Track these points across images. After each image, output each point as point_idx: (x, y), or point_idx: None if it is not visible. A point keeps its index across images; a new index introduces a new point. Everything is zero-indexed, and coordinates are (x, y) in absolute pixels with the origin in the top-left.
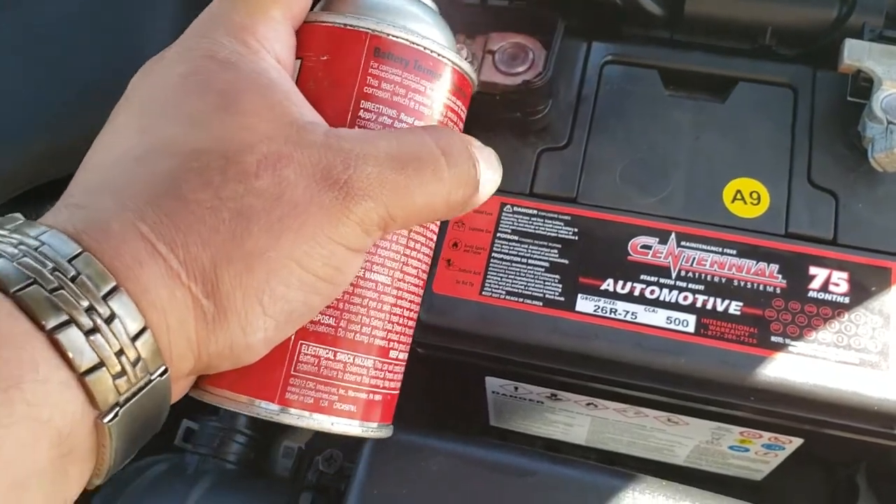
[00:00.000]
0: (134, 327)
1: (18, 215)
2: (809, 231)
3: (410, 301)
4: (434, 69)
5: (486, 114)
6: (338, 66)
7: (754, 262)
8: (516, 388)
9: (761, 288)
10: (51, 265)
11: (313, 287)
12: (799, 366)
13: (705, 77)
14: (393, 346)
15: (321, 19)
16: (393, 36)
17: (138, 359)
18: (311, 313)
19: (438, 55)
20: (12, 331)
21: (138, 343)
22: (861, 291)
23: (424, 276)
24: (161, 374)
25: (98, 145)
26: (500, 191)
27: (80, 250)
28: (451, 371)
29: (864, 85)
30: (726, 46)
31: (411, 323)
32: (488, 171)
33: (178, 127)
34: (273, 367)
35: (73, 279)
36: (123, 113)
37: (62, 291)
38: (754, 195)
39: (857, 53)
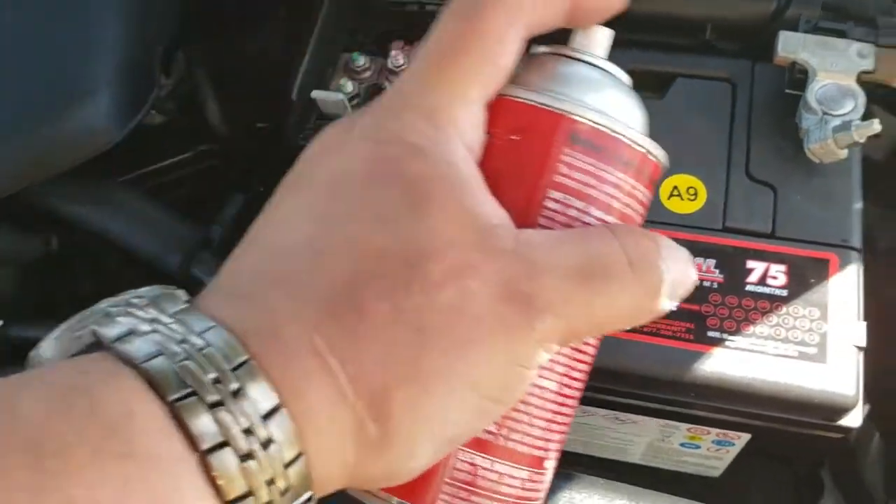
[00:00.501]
0: (290, 454)
1: (181, 294)
2: (747, 225)
3: (571, 408)
4: (631, 159)
5: None
6: (528, 149)
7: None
8: None
9: (698, 283)
10: (213, 375)
11: (483, 410)
12: (737, 360)
13: (643, 73)
14: (548, 456)
15: (515, 94)
16: (593, 122)
17: (288, 488)
18: (473, 435)
19: (637, 145)
20: (162, 450)
21: (291, 470)
22: (799, 284)
23: (586, 379)
24: (306, 502)
25: (268, 225)
26: None
27: (246, 358)
28: None
29: (799, 77)
30: (667, 43)
31: (566, 430)
32: (678, 274)
33: (361, 224)
34: (426, 470)
35: (234, 393)
36: (300, 192)
37: (222, 410)
38: (691, 191)
39: (791, 45)
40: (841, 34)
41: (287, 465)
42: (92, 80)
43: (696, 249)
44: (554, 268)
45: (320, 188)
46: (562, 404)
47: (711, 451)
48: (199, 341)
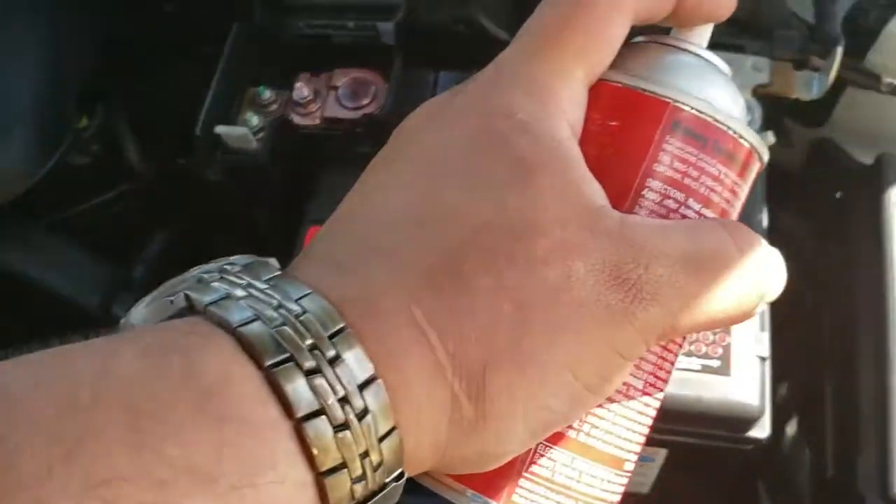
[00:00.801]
0: (385, 427)
1: (273, 262)
2: None
3: (655, 409)
4: (733, 151)
5: (337, 149)
6: (628, 136)
7: None
8: None
9: None
10: (310, 341)
11: (579, 397)
12: None
13: None
14: (628, 458)
15: (617, 79)
16: (697, 111)
17: (381, 463)
18: (565, 424)
19: (740, 137)
20: (258, 415)
21: (384, 444)
22: None
23: (667, 382)
24: (397, 479)
25: (363, 196)
26: None
27: (343, 325)
28: None
29: None
30: None
31: (647, 433)
32: (778, 276)
33: (466, 193)
34: (504, 464)
35: (331, 361)
36: (396, 164)
37: (318, 377)
38: None
39: None
40: (739, 49)
41: (381, 439)
42: (3, 122)
43: None
44: (664, 255)
45: (420, 159)
46: (646, 404)
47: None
48: (295, 307)
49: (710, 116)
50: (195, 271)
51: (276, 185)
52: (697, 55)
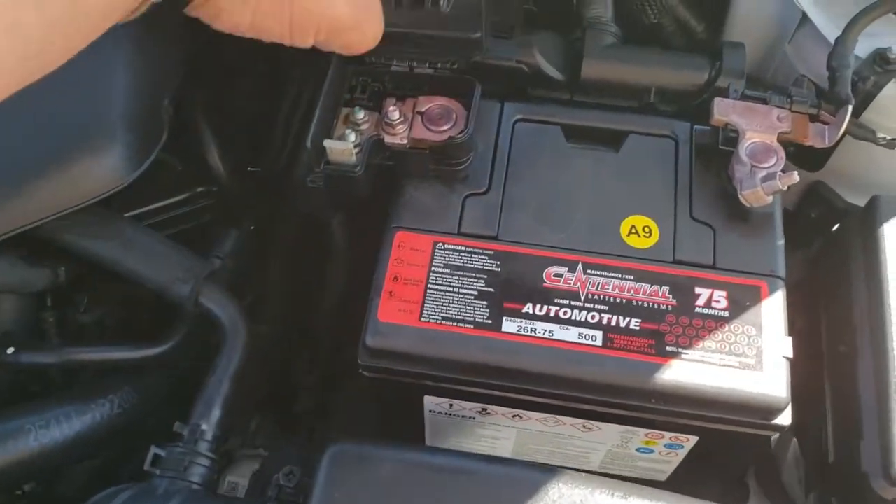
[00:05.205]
0: None
1: None
2: (693, 258)
3: None
4: None
5: (417, 166)
6: None
7: (649, 285)
8: (451, 406)
9: (656, 306)
10: None
11: None
12: (690, 370)
13: (600, 131)
14: None
15: None
16: None
17: None
18: None
19: None
20: None
21: None
22: (738, 306)
23: None
24: None
25: None
26: (433, 231)
27: None
28: (394, 393)
29: (731, 135)
30: (617, 105)
31: None
32: None
33: None
34: None
35: None
36: None
37: None
38: (646, 229)
39: (724, 110)
40: (763, 101)
41: None
42: (108, 128)
43: (653, 278)
44: None
45: None
46: None
47: (662, 454)
48: None
49: None
50: None
51: (365, 193)
52: None
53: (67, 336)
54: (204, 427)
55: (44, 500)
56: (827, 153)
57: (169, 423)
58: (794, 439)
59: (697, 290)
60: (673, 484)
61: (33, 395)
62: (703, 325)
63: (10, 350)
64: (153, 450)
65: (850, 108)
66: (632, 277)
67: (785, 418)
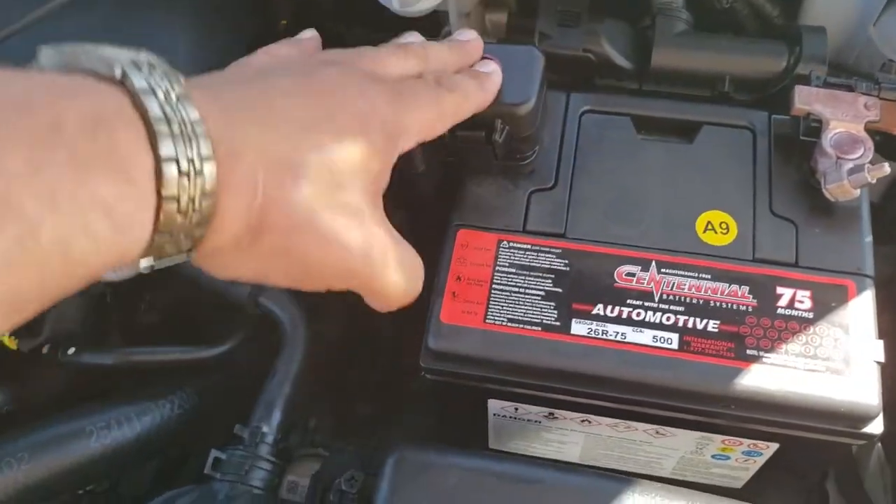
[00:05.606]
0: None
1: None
2: (774, 255)
3: None
4: None
5: (482, 160)
6: None
7: (727, 284)
8: (516, 409)
9: (735, 307)
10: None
11: None
12: (772, 375)
13: (672, 122)
14: None
15: None
16: None
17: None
18: None
19: None
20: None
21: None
22: (823, 307)
23: None
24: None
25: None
26: (497, 229)
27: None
28: (456, 396)
29: (814, 125)
30: (689, 94)
31: None
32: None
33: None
34: None
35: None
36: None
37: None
38: (723, 225)
39: (806, 98)
40: (849, 88)
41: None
42: None
43: (731, 277)
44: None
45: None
46: None
47: (739, 461)
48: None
49: None
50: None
51: (428, 192)
52: None
53: (129, 337)
54: (265, 430)
55: (105, 500)
56: None
57: (229, 425)
58: (879, 444)
59: (779, 289)
60: (748, 491)
61: (95, 396)
62: (786, 327)
63: (72, 350)
64: (213, 453)
65: None
66: (709, 277)
67: (876, 427)
